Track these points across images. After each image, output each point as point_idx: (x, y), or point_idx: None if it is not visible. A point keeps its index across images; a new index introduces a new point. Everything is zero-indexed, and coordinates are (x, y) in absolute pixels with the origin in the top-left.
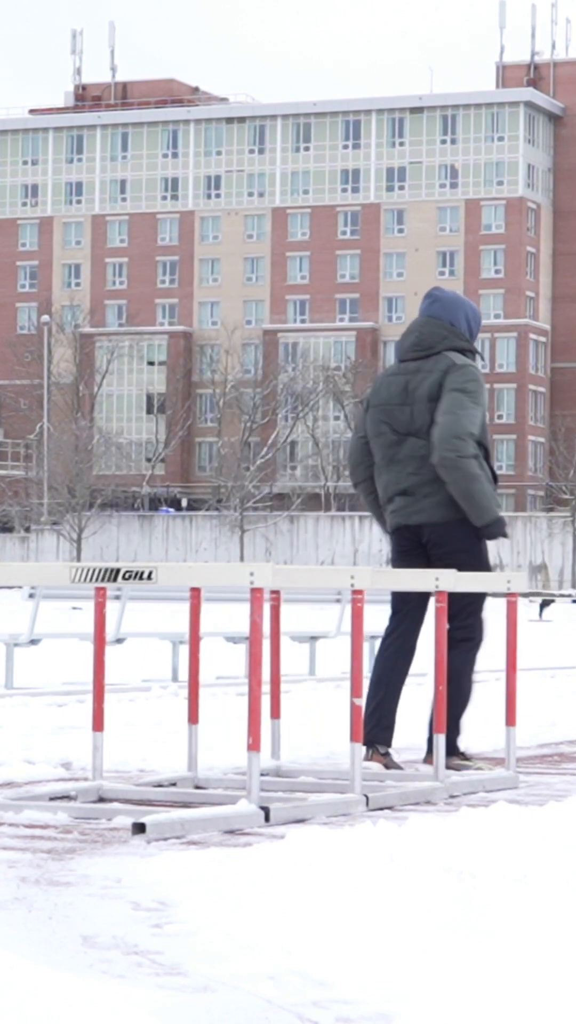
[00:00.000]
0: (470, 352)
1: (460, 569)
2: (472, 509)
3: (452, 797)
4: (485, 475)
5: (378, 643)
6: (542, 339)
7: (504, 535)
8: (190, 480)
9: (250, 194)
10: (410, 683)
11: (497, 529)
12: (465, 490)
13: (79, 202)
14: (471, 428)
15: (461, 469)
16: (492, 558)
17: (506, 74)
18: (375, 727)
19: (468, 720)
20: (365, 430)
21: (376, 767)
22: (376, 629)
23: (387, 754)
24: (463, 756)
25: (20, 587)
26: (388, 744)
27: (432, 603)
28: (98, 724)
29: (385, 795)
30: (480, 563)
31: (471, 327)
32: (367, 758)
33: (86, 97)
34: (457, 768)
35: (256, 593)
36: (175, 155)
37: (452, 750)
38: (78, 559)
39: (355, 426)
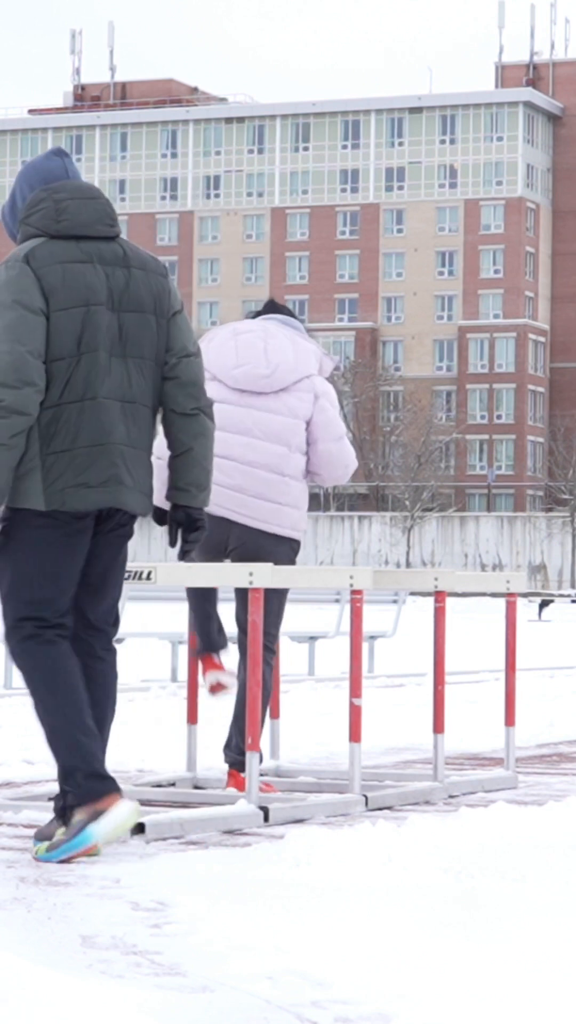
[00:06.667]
0: None
1: None
2: None
3: (451, 797)
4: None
5: (377, 643)
6: (541, 339)
7: None
8: None
9: (249, 194)
10: (409, 683)
11: None
12: None
13: None
14: None
15: None
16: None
17: (505, 74)
18: None
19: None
20: None
21: None
22: (375, 629)
23: None
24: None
25: None
26: None
27: (431, 602)
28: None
29: (384, 795)
30: None
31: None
32: None
33: (85, 97)
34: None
35: (256, 593)
36: (174, 155)
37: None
38: None
39: None
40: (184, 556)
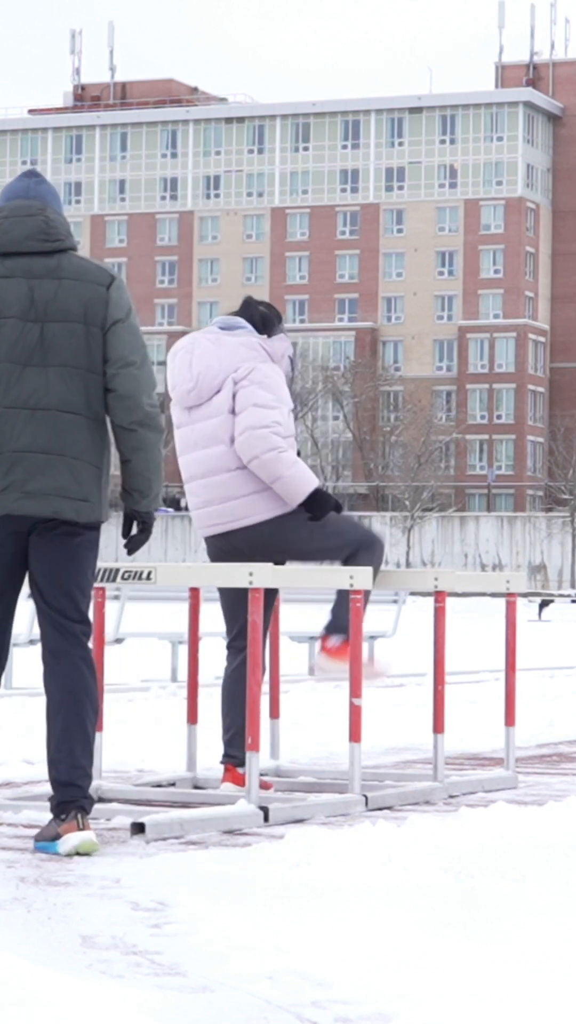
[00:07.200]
0: None
1: None
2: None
3: (451, 797)
4: None
5: (377, 643)
6: (541, 339)
7: None
8: None
9: (249, 194)
10: (409, 683)
11: None
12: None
13: (78, 202)
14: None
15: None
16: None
17: (505, 74)
18: None
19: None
20: None
21: None
22: (375, 629)
23: None
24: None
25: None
26: None
27: (431, 602)
28: (97, 724)
29: (384, 795)
30: None
31: None
32: None
33: (85, 97)
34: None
35: (255, 593)
36: (174, 155)
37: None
38: None
39: None
40: (129, 553)
